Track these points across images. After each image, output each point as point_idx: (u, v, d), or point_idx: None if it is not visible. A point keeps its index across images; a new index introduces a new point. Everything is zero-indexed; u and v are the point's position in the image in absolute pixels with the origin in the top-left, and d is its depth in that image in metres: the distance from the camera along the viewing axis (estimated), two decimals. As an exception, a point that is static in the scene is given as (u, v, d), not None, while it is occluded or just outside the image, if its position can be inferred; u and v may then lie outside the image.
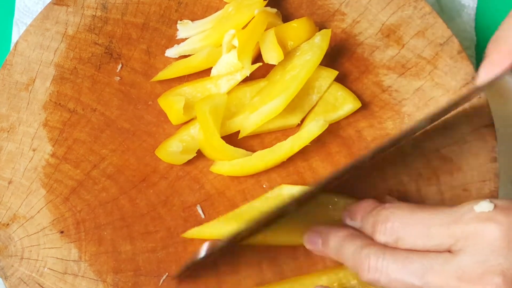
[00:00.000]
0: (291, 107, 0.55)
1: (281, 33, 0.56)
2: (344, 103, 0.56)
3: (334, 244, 0.48)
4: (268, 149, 0.55)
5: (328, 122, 0.55)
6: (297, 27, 0.57)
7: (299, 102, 0.55)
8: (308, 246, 0.51)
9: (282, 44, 0.56)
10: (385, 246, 0.45)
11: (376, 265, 0.44)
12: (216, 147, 0.54)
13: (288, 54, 0.56)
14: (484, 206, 0.42)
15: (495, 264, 0.40)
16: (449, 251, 0.42)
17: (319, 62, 0.55)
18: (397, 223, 0.45)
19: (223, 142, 0.54)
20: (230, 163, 0.55)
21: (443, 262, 0.42)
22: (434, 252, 0.43)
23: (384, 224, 0.45)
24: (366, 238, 0.47)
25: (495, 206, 0.42)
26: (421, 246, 0.43)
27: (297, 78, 0.54)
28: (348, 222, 0.50)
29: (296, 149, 0.54)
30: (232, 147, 0.55)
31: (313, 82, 0.56)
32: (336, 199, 0.53)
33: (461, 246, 0.42)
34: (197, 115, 0.54)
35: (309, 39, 0.56)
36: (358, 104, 0.55)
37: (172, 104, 0.56)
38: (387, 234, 0.45)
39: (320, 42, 0.56)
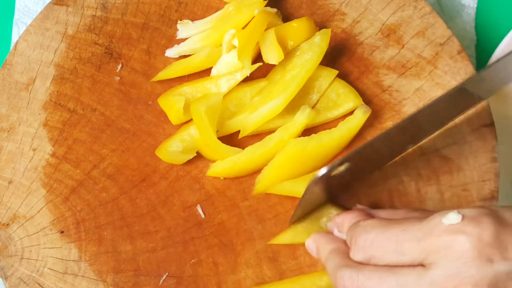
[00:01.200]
0: (291, 107, 0.55)
1: (281, 33, 0.56)
2: (345, 101, 0.56)
3: (323, 255, 0.49)
4: (258, 143, 0.55)
5: (329, 119, 0.55)
6: (297, 27, 0.57)
7: (299, 102, 0.55)
8: (308, 251, 0.52)
9: (282, 44, 0.56)
10: (360, 265, 0.45)
11: (351, 286, 0.44)
12: (212, 147, 0.54)
13: (288, 54, 0.56)
14: (452, 218, 0.41)
15: (468, 276, 0.40)
16: (422, 265, 0.42)
17: (319, 62, 0.55)
18: (368, 241, 0.44)
19: (219, 142, 0.54)
20: (224, 162, 0.55)
21: (417, 278, 0.41)
22: (408, 268, 0.42)
23: (357, 241, 0.45)
24: (347, 256, 0.46)
25: (463, 217, 0.41)
26: (394, 262, 0.43)
27: (297, 78, 0.54)
28: (335, 233, 0.50)
29: (287, 139, 0.54)
30: (228, 146, 0.55)
31: (313, 82, 0.56)
32: (335, 211, 0.53)
33: (433, 260, 0.41)
34: (193, 116, 0.54)
35: (309, 38, 0.56)
36: (359, 102, 0.55)
37: (172, 104, 0.56)
38: (361, 252, 0.45)
39: (320, 42, 0.56)
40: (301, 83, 0.54)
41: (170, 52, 0.59)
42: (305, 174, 0.55)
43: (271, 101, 0.54)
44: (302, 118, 0.54)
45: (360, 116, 0.55)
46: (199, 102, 0.54)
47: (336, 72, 0.56)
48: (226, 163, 0.55)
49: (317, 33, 0.56)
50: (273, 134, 0.55)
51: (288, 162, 0.54)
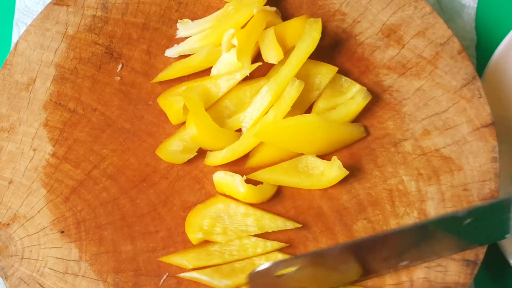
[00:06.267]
0: (294, 104, 0.54)
1: (280, 32, 0.56)
2: (351, 87, 0.56)
3: None
4: (254, 125, 0.55)
5: (336, 105, 0.56)
6: (296, 25, 0.57)
7: (299, 98, 0.55)
8: None
9: (281, 42, 0.56)
10: None
11: None
12: (210, 131, 0.54)
13: (288, 52, 0.56)
14: None
15: None
16: None
17: (311, 50, 0.55)
18: None
19: (217, 125, 0.54)
20: (223, 151, 0.55)
21: None
22: None
23: None
24: None
25: None
26: None
27: (288, 64, 0.54)
28: None
29: (280, 116, 0.54)
30: (225, 129, 0.55)
31: (313, 79, 0.56)
32: None
33: None
34: (186, 103, 0.54)
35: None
36: (363, 88, 0.55)
37: (171, 104, 0.56)
38: None
39: (311, 31, 0.55)
40: (294, 70, 0.54)
41: (170, 52, 0.59)
42: (294, 156, 0.55)
43: (263, 88, 0.54)
44: (292, 91, 0.54)
45: (360, 101, 0.55)
46: (190, 90, 0.55)
47: (336, 68, 0.56)
48: (226, 152, 0.55)
49: (306, 23, 0.56)
50: (267, 115, 0.55)
51: (282, 139, 0.54)
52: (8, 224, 0.55)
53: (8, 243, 0.55)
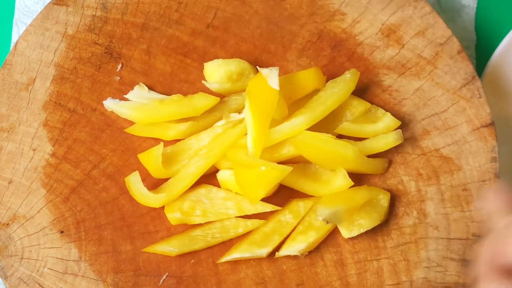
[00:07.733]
0: (315, 130, 0.53)
1: (288, 84, 0.54)
2: (383, 117, 0.55)
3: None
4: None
5: (363, 131, 0.55)
6: (305, 78, 0.55)
7: (325, 126, 0.54)
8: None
9: (287, 94, 0.54)
10: None
11: None
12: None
13: (294, 103, 0.55)
14: None
15: None
16: None
17: (346, 97, 0.54)
18: None
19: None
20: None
21: None
22: None
23: None
24: None
25: None
26: None
27: (324, 104, 0.53)
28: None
29: (311, 123, 0.53)
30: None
31: (343, 111, 0.55)
32: None
33: None
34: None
35: (317, 88, 0.55)
36: (396, 121, 0.55)
37: (149, 153, 0.55)
38: None
39: (349, 80, 0.55)
40: (327, 110, 0.53)
41: (109, 103, 0.57)
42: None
43: (292, 119, 0.53)
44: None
45: (391, 141, 0.54)
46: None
47: (369, 104, 0.56)
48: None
49: (346, 72, 0.56)
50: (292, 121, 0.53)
51: (310, 151, 0.53)
52: (7, 224, 0.55)
53: (8, 243, 0.55)
